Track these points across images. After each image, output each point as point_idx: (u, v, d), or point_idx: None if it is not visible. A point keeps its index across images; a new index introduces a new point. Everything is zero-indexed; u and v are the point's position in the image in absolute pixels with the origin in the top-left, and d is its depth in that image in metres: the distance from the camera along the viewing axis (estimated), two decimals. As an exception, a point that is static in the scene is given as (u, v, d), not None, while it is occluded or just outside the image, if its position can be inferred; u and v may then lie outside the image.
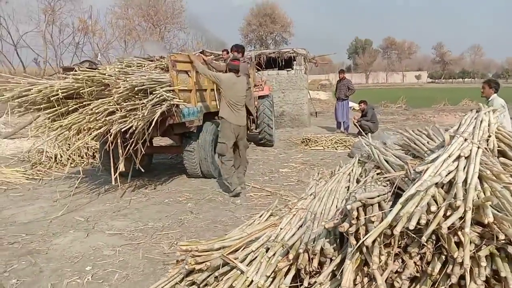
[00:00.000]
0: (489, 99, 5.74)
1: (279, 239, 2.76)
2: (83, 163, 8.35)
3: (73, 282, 3.53)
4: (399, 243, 2.24)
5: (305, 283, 2.38)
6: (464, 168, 2.46)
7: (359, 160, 4.16)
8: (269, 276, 2.50)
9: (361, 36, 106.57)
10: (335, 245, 2.47)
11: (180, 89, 5.88)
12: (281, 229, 2.96)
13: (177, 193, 6.27)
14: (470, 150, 2.63)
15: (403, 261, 2.23)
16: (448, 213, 2.14)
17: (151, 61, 6.39)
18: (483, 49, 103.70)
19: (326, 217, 2.80)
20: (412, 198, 2.13)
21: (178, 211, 5.38)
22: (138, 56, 6.96)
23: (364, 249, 2.22)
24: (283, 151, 9.73)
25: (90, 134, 5.55)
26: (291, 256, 2.48)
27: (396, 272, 2.21)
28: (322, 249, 2.40)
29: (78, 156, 8.47)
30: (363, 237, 2.13)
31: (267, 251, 2.69)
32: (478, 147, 2.69)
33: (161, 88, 5.46)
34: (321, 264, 2.43)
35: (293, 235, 2.70)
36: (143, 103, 5.29)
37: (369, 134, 4.71)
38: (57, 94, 5.47)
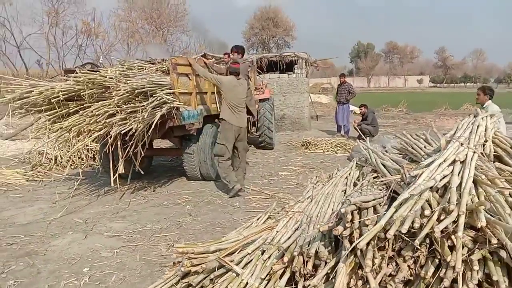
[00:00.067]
0: (484, 106, 5.78)
1: (275, 242, 2.77)
2: (83, 164, 8.40)
3: (70, 283, 3.53)
4: (393, 246, 2.26)
5: (300, 286, 2.39)
6: (459, 172, 2.47)
7: (357, 163, 4.17)
8: (264, 278, 2.51)
9: (363, 40, 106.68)
10: (330, 248, 2.48)
11: (180, 92, 5.90)
12: (277, 232, 2.97)
13: (176, 195, 6.28)
14: (466, 155, 2.64)
15: (397, 264, 2.24)
16: (442, 217, 2.15)
17: (153, 64, 6.42)
18: (485, 53, 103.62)
19: (322, 220, 2.82)
20: (406, 202, 2.15)
21: (176, 213, 5.39)
22: (140, 58, 7.00)
23: (358, 252, 2.23)
24: (283, 154, 9.74)
25: (90, 136, 5.57)
26: (286, 259, 2.49)
27: (390, 275, 2.22)
28: (316, 252, 2.41)
29: (78, 158, 8.51)
30: (357, 241, 2.14)
31: (262, 254, 2.70)
32: (474, 152, 2.70)
33: (162, 90, 5.48)
34: (315, 267, 2.44)
35: (289, 238, 2.71)
36: (143, 105, 5.32)
37: (368, 138, 4.72)
38: (58, 96, 5.50)
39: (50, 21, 25.54)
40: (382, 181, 2.95)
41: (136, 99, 5.41)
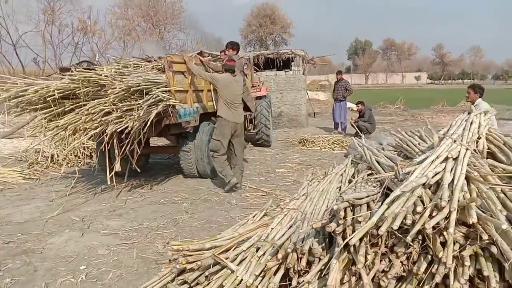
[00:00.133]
0: (475, 104, 5.82)
1: (269, 239, 2.79)
2: (79, 163, 8.40)
3: (67, 281, 3.55)
4: (386, 243, 2.27)
5: (294, 282, 2.41)
6: (452, 169, 2.49)
7: (352, 160, 4.19)
8: (259, 275, 2.52)
9: (361, 37, 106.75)
10: (323, 244, 2.50)
11: (176, 90, 5.91)
12: (272, 229, 2.99)
13: (173, 193, 6.30)
14: (458, 152, 2.66)
15: (390, 260, 2.26)
16: (434, 214, 2.17)
17: (149, 61, 6.42)
18: (483, 50, 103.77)
19: (316, 217, 2.83)
20: (398, 199, 2.17)
21: (173, 211, 5.40)
22: (136, 56, 6.98)
23: (352, 249, 2.25)
24: (280, 151, 9.76)
25: (86, 134, 5.58)
26: (280, 256, 2.51)
27: (383, 271, 2.24)
28: (310, 248, 2.43)
29: (75, 156, 8.51)
30: (349, 237, 2.15)
31: (257, 251, 2.72)
32: (467, 149, 2.72)
33: (157, 88, 5.48)
34: (309, 264, 2.45)
35: (283, 235, 2.73)
36: (139, 103, 5.31)
37: (365, 135, 4.75)
38: (54, 95, 5.50)
39: (46, 19, 25.46)
40: (376, 178, 2.97)
41: (132, 97, 5.40)
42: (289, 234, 2.67)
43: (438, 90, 53.00)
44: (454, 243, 2.09)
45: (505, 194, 2.31)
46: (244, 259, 2.71)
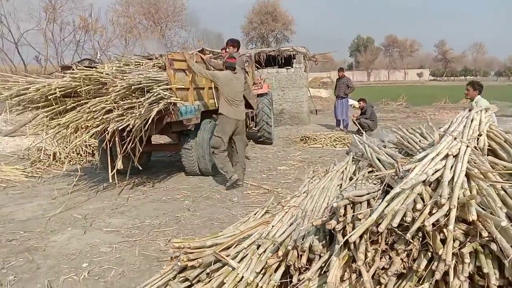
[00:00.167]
0: (474, 101, 5.82)
1: (270, 236, 2.80)
2: (81, 161, 8.43)
3: (69, 278, 3.56)
4: (387, 240, 2.28)
5: (295, 280, 2.42)
6: (452, 166, 2.49)
7: (353, 158, 4.19)
8: (259, 272, 2.54)
9: (363, 33, 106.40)
10: (324, 242, 2.51)
11: (177, 88, 5.92)
12: (272, 226, 3.00)
13: (175, 190, 6.31)
14: (459, 149, 2.66)
15: (390, 257, 2.27)
16: (434, 211, 2.18)
17: (150, 59, 6.43)
18: (485, 47, 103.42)
19: (316, 215, 2.84)
20: (398, 196, 2.17)
21: (175, 209, 5.42)
22: (138, 54, 7.00)
23: (352, 246, 2.25)
24: (282, 149, 9.77)
25: (88, 132, 5.59)
26: (280, 253, 2.52)
27: (383, 268, 2.25)
28: (310, 246, 2.44)
29: (77, 154, 8.54)
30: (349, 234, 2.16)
31: (258, 248, 2.73)
32: (467, 146, 2.72)
33: (158, 86, 5.49)
34: (310, 261, 2.46)
35: (284, 232, 2.74)
36: (140, 101, 5.33)
37: (367, 132, 4.75)
38: (55, 93, 5.51)
39: (48, 17, 25.45)
40: (376, 175, 2.98)
41: (133, 95, 5.42)
42: (290, 232, 2.69)
43: (440, 86, 52.83)
44: (454, 240, 2.09)
45: (505, 191, 2.32)
46: (245, 256, 2.72)
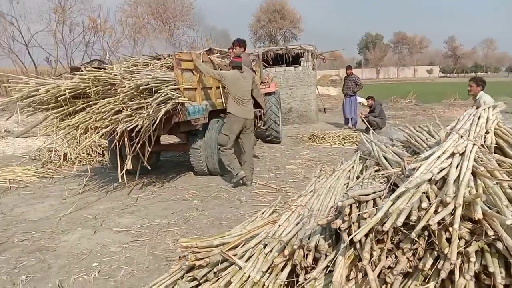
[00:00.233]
0: (477, 97, 5.77)
1: (277, 235, 2.82)
2: (91, 161, 8.51)
3: (80, 278, 3.61)
4: (393, 239, 2.29)
5: (301, 279, 2.43)
6: (458, 165, 2.49)
7: (360, 156, 4.19)
8: (266, 271, 2.55)
9: (372, 30, 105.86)
10: (330, 241, 2.52)
11: (185, 88, 5.95)
12: (279, 225, 3.02)
13: (184, 190, 6.35)
14: (465, 147, 2.65)
15: (396, 257, 2.27)
16: (440, 210, 2.18)
17: (158, 59, 6.47)
18: (496, 42, 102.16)
19: (323, 214, 2.85)
20: (403, 195, 2.17)
21: (184, 208, 5.46)
22: (146, 54, 7.05)
23: (358, 245, 2.26)
24: (290, 147, 9.77)
25: (97, 133, 5.65)
26: (286, 252, 2.53)
27: (389, 267, 2.26)
28: (316, 245, 2.45)
29: (87, 154, 8.62)
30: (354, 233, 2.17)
31: (264, 247, 2.75)
32: (474, 144, 2.71)
33: (166, 86, 5.53)
34: (316, 260, 2.47)
35: (290, 231, 2.75)
36: (148, 102, 5.37)
37: (375, 130, 4.74)
38: (65, 94, 5.57)
39: (57, 18, 25.69)
40: (383, 174, 2.98)
41: (141, 95, 5.46)
42: (296, 231, 2.70)
43: (450, 83, 52.32)
44: (459, 239, 2.09)
45: (512, 189, 2.31)
46: (252, 255, 2.74)
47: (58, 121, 5.88)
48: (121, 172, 5.79)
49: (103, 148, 8.74)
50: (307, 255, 2.44)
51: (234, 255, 2.74)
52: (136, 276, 3.61)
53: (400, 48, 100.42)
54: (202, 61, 6.38)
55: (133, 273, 3.68)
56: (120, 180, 5.79)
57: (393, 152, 3.47)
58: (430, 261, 2.16)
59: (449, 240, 2.13)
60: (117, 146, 5.74)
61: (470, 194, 2.22)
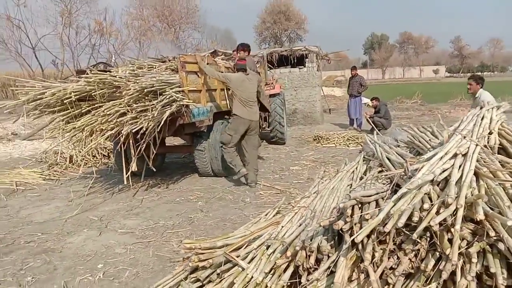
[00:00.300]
0: (477, 95, 5.74)
1: (280, 236, 2.83)
2: (97, 163, 8.56)
3: (85, 279, 3.64)
4: (394, 240, 2.29)
5: (303, 280, 2.44)
6: (460, 166, 2.49)
7: (364, 157, 4.19)
8: (269, 272, 2.57)
9: (377, 31, 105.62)
10: (332, 242, 2.53)
11: (189, 90, 5.98)
12: (282, 227, 3.03)
13: (188, 191, 6.38)
14: (468, 148, 2.65)
15: (398, 257, 2.27)
16: (442, 211, 2.18)
17: (163, 62, 6.50)
18: (502, 42, 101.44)
19: (325, 215, 2.86)
20: (404, 196, 2.18)
21: (188, 210, 5.48)
22: (152, 57, 7.09)
23: (360, 246, 2.27)
24: (295, 149, 9.77)
25: (103, 135, 5.69)
26: (289, 253, 2.54)
27: (391, 268, 2.26)
28: (318, 246, 2.46)
29: (92, 156, 8.69)
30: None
31: (267, 249, 2.76)
32: (476, 145, 2.71)
33: (171, 89, 5.56)
34: (318, 261, 2.48)
35: (293, 233, 2.76)
36: (153, 104, 5.40)
37: (380, 130, 4.74)
38: (70, 97, 5.61)
39: (64, 21, 25.84)
40: (385, 175, 2.98)
41: (146, 98, 5.49)
42: (299, 232, 2.71)
43: (457, 83, 51.91)
44: (461, 240, 2.09)
45: (514, 190, 2.30)
46: (255, 256, 2.76)
47: (64, 123, 5.93)
48: (126, 174, 5.83)
49: (108, 150, 8.80)
50: (309, 256, 2.45)
51: (237, 256, 2.76)
52: (141, 277, 3.63)
53: (406, 48, 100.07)
54: (207, 63, 6.40)
55: (137, 274, 3.70)
56: (125, 182, 5.83)
57: (396, 153, 3.47)
58: (432, 262, 2.16)
59: (451, 241, 2.13)
60: (123, 148, 5.78)
61: (472, 195, 2.22)
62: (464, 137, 2.80)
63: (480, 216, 2.04)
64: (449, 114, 15.67)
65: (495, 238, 2.05)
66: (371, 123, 11.04)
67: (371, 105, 12.20)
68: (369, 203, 2.49)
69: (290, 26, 56.15)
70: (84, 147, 6.32)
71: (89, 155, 8.62)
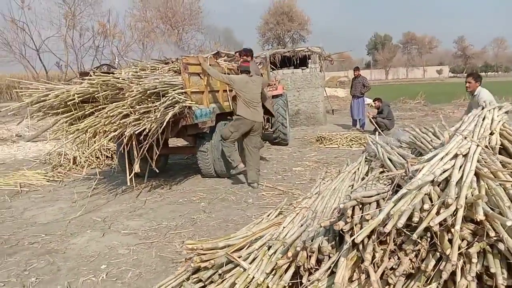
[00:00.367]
0: (475, 93, 5.72)
1: (281, 237, 2.84)
2: (100, 164, 8.60)
3: (88, 280, 3.67)
4: (395, 240, 2.30)
5: (304, 280, 2.45)
6: (461, 166, 2.49)
7: (366, 158, 4.20)
8: (270, 273, 2.58)
9: (380, 31, 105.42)
10: (333, 243, 2.54)
11: (192, 91, 6.00)
12: (283, 227, 3.04)
13: (191, 192, 6.40)
14: (469, 148, 2.66)
15: (398, 258, 2.28)
16: (442, 211, 2.18)
17: (167, 63, 6.53)
18: (506, 42, 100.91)
19: (326, 216, 2.87)
20: (404, 197, 2.19)
21: (191, 211, 5.50)
22: (155, 58, 7.12)
23: (360, 247, 2.28)
24: (298, 149, 9.77)
25: (106, 136, 5.72)
26: (290, 254, 2.56)
27: (392, 269, 2.27)
28: (319, 247, 2.47)
29: (96, 158, 8.73)
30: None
31: (268, 249, 2.78)
32: (477, 145, 2.71)
33: (174, 90, 5.58)
34: (319, 262, 2.49)
35: (294, 233, 2.78)
36: (156, 105, 5.43)
37: (381, 131, 4.74)
38: (74, 99, 5.65)
39: (67, 23, 25.94)
40: (387, 175, 2.99)
41: (149, 99, 5.52)
42: (300, 233, 2.72)
43: (460, 83, 51.40)
44: (462, 240, 2.10)
45: (514, 190, 2.31)
46: (256, 257, 2.77)
47: (67, 125, 5.97)
48: (129, 175, 5.85)
49: (112, 151, 8.84)
50: (310, 256, 2.46)
51: (239, 257, 2.77)
52: (144, 278, 3.66)
53: (409, 49, 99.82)
54: (210, 65, 6.43)
55: (140, 275, 3.72)
56: (128, 183, 5.85)
57: (398, 153, 3.47)
58: (432, 262, 2.17)
59: (451, 241, 2.13)
60: (126, 149, 5.80)
61: (472, 195, 2.23)
62: (465, 138, 2.81)
63: (480, 216, 2.04)
64: (453, 114, 15.60)
65: (495, 238, 2.06)
66: (374, 123, 11.04)
67: (374, 106, 12.18)
68: (370, 203, 2.50)
69: (293, 27, 56.18)
70: (88, 149, 6.35)
71: (92, 157, 8.66)
